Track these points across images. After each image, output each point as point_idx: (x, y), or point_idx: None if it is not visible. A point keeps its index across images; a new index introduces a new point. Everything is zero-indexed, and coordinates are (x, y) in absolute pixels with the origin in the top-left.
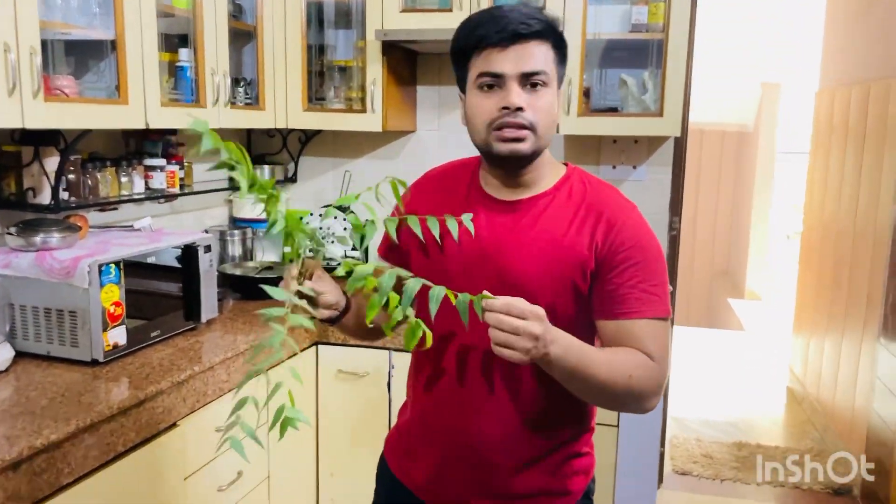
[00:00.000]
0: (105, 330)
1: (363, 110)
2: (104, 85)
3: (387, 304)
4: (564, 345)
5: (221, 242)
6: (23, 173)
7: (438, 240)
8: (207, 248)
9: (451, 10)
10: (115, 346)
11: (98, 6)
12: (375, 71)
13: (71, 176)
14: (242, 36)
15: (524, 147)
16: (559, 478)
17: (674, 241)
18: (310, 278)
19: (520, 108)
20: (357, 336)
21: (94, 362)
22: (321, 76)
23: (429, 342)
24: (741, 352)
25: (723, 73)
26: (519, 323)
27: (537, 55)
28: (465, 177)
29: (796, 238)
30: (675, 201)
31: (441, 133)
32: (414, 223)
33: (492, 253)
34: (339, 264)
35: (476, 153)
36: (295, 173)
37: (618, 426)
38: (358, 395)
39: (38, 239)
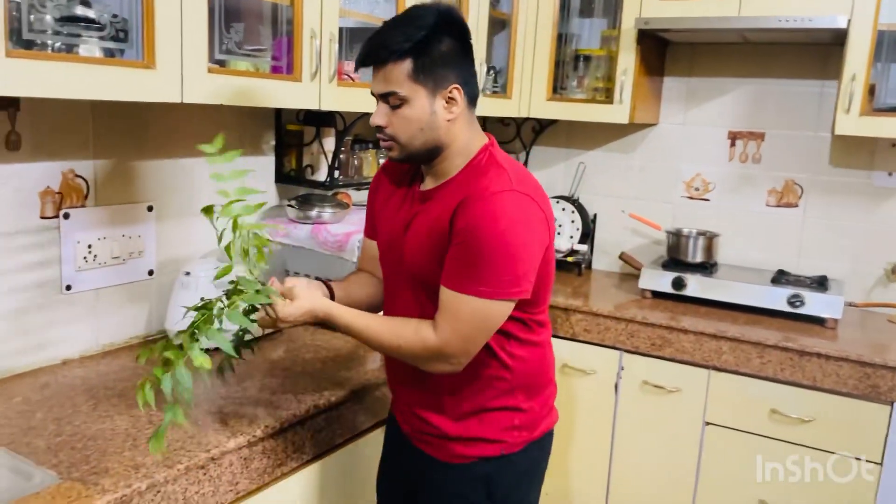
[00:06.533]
0: None
1: (608, 101)
2: None
3: None
4: (334, 324)
5: None
6: (303, 151)
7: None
8: None
9: None
10: None
11: None
12: (628, 60)
13: (342, 156)
14: (496, 24)
15: (393, 155)
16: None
17: None
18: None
19: (379, 126)
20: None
21: None
22: (563, 66)
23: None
24: None
25: None
26: (271, 315)
27: (389, 78)
28: (418, 168)
29: None
30: None
31: (686, 127)
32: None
33: (398, 239)
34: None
35: None
36: (525, 162)
37: (881, 464)
38: (581, 393)
39: (313, 213)
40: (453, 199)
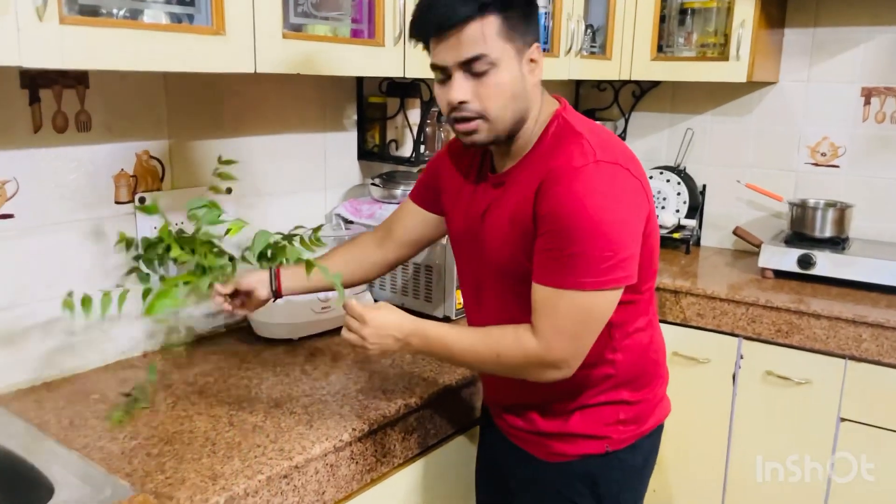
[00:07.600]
0: (457, 288)
1: (722, 58)
2: None
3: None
4: (424, 339)
5: None
6: (386, 125)
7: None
8: None
9: None
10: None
11: None
12: (746, 11)
13: (428, 129)
14: None
15: (479, 137)
16: (578, 422)
17: None
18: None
19: (463, 102)
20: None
21: (446, 319)
22: (667, 21)
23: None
24: None
25: None
26: (354, 325)
27: (473, 39)
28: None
29: None
30: None
31: (811, 85)
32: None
33: (475, 230)
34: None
35: None
36: (625, 130)
37: None
38: (694, 383)
39: (399, 192)
40: (533, 180)
